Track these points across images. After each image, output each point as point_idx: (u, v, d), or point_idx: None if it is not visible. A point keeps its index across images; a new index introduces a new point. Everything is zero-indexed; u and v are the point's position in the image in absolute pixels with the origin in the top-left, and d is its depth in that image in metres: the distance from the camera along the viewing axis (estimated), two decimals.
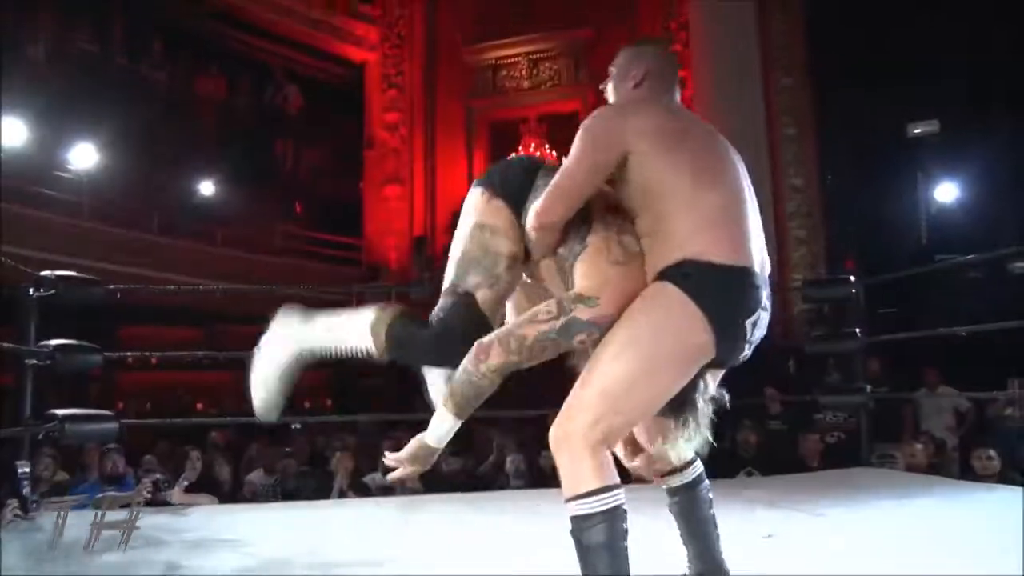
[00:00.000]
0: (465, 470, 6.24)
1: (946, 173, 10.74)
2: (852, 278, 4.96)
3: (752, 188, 2.00)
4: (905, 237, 10.64)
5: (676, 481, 2.17)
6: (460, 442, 6.89)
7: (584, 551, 1.75)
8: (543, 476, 6.02)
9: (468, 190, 2.17)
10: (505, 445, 6.29)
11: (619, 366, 1.81)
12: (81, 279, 3.99)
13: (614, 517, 1.75)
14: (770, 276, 1.97)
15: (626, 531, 1.78)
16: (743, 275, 1.84)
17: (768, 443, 6.30)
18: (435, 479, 6.33)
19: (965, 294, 8.81)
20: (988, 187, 10.06)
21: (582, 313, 1.86)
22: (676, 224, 1.85)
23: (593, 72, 14.65)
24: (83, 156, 12.91)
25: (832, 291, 5.33)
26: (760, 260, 1.91)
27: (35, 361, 3.69)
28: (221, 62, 14.89)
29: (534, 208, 1.96)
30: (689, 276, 1.81)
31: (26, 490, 3.58)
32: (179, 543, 3.05)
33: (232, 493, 5.87)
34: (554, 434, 1.86)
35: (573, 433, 1.82)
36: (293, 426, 7.21)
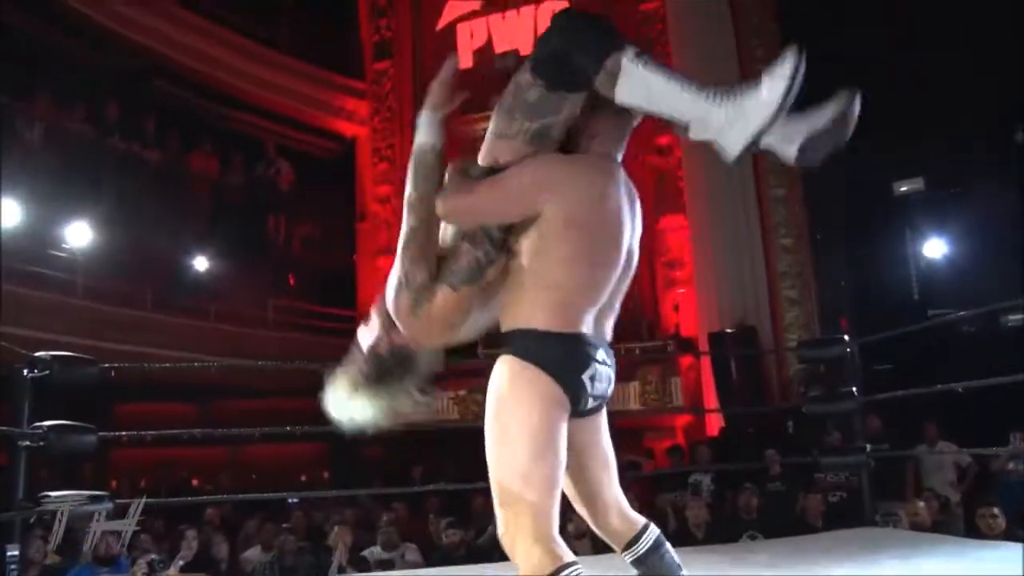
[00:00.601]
0: (465, 541, 6.16)
1: (934, 229, 10.85)
2: (846, 337, 4.99)
3: (637, 236, 2.28)
4: (897, 294, 10.69)
5: (638, 550, 2.19)
6: (459, 513, 6.81)
7: None
8: None
9: None
10: None
11: (507, 460, 1.94)
12: (75, 359, 3.98)
13: None
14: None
15: None
16: (574, 339, 2.02)
17: (770, 505, 6.25)
18: (434, 552, 6.25)
19: (960, 348, 8.82)
20: (976, 242, 10.15)
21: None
22: (536, 294, 2.02)
23: None
24: (78, 234, 12.98)
25: (827, 351, 5.34)
26: (602, 327, 2.14)
27: (28, 443, 3.66)
28: (213, 139, 15.05)
29: (444, 198, 2.13)
30: (526, 344, 2.00)
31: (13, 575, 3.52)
32: None
33: (229, 572, 5.78)
34: (503, 542, 1.92)
35: (511, 535, 1.89)
36: (290, 500, 7.11)
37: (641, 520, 2.21)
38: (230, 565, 5.90)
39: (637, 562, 2.19)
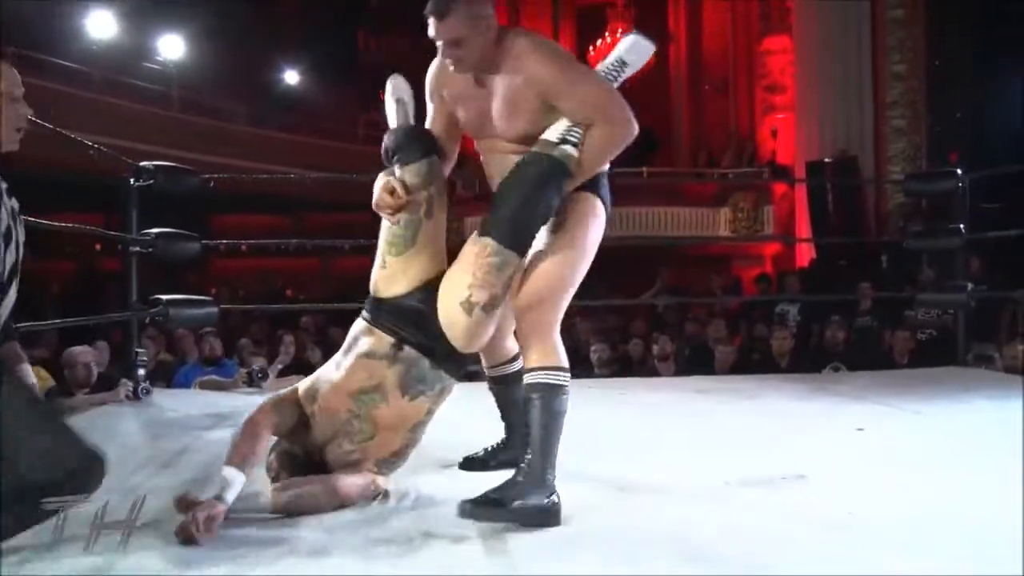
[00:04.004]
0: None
1: None
2: (958, 171, 4.73)
3: None
4: (1015, 131, 10.01)
5: (504, 371, 2.46)
6: None
7: (550, 415, 2.04)
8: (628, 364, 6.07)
9: None
10: (590, 334, 6.32)
11: (569, 263, 2.15)
12: (178, 168, 4.08)
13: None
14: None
15: None
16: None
17: (856, 339, 6.20)
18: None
19: None
20: None
21: None
22: None
23: None
24: (171, 47, 13.05)
25: (936, 185, 5.10)
26: None
27: (139, 249, 3.82)
28: None
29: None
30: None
31: (142, 371, 3.77)
32: None
33: None
34: (529, 318, 2.11)
35: (541, 325, 2.11)
36: None
37: (516, 349, 2.38)
38: None
39: (497, 380, 2.47)
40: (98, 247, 13.21)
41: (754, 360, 5.95)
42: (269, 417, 2.13)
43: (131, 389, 3.67)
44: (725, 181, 12.20)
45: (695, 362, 5.89)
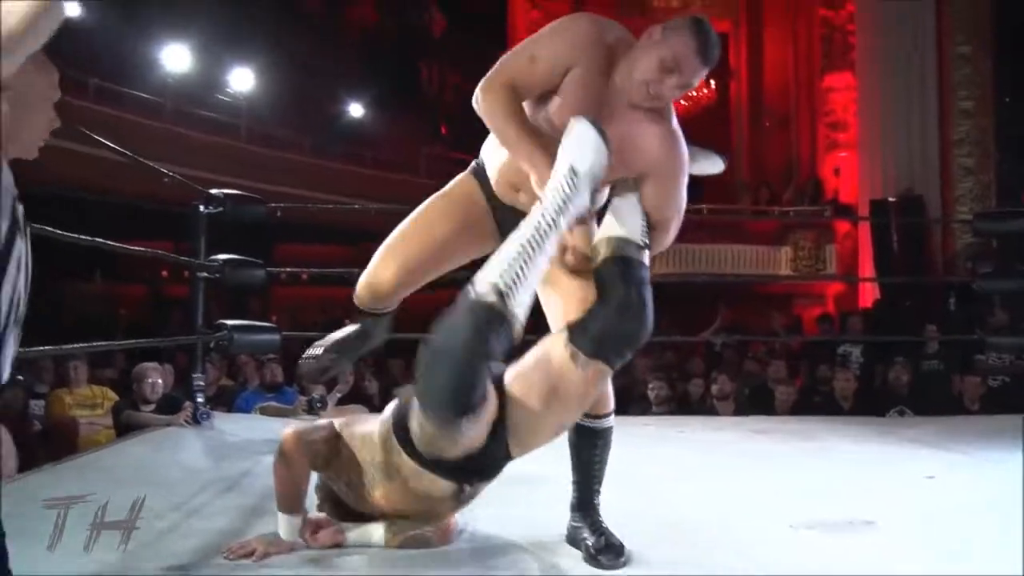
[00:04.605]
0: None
1: None
2: None
3: None
4: None
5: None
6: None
7: (605, 453, 2.10)
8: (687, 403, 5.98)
9: None
10: (647, 371, 6.26)
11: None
12: (246, 197, 4.17)
13: None
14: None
15: None
16: None
17: (922, 383, 6.02)
18: None
19: None
20: None
21: None
22: None
23: None
24: (241, 80, 13.43)
25: (1006, 224, 4.97)
26: None
27: (206, 274, 3.90)
28: None
29: None
30: None
31: (200, 398, 3.83)
32: None
33: (380, 406, 6.10)
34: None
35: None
36: None
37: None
38: (381, 400, 6.24)
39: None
40: (164, 274, 13.54)
41: (816, 402, 5.82)
42: (299, 449, 2.06)
43: (191, 413, 3.73)
44: (786, 219, 12.03)
45: (755, 402, 5.78)
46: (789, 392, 5.73)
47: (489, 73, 2.02)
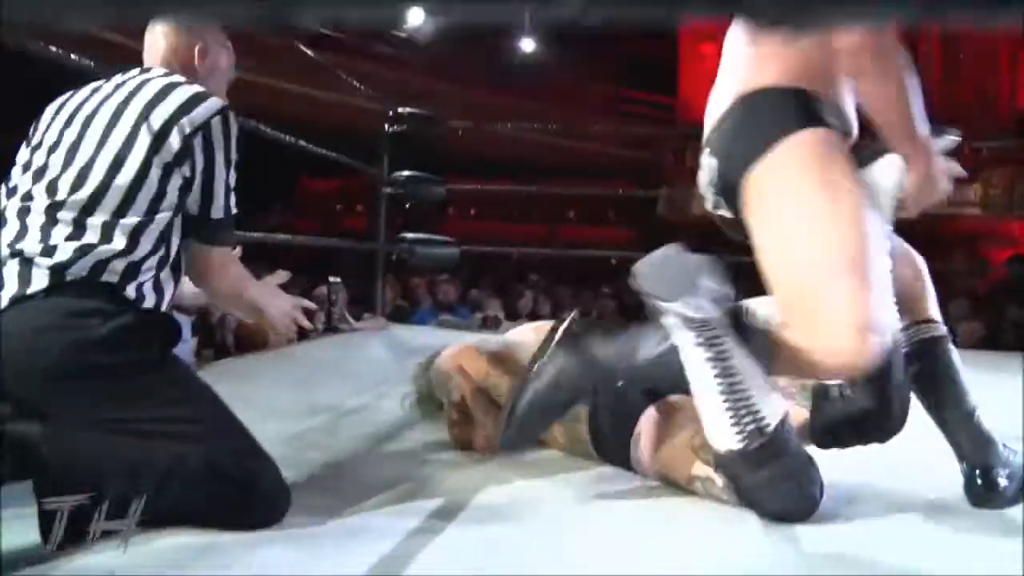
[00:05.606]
0: None
1: None
2: None
3: None
4: None
5: None
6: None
7: None
8: None
9: None
10: None
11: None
12: (427, 116, 4.34)
13: None
14: None
15: None
16: None
17: None
18: None
19: None
20: None
21: None
22: None
23: None
24: (413, 15, 13.72)
25: None
26: None
27: (390, 189, 4.12)
28: None
29: None
30: None
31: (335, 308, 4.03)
32: None
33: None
34: None
35: None
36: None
37: None
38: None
39: None
40: (338, 207, 14.16)
41: (1003, 343, 5.49)
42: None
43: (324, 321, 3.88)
44: (977, 154, 11.23)
45: None
46: (974, 327, 5.45)
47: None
